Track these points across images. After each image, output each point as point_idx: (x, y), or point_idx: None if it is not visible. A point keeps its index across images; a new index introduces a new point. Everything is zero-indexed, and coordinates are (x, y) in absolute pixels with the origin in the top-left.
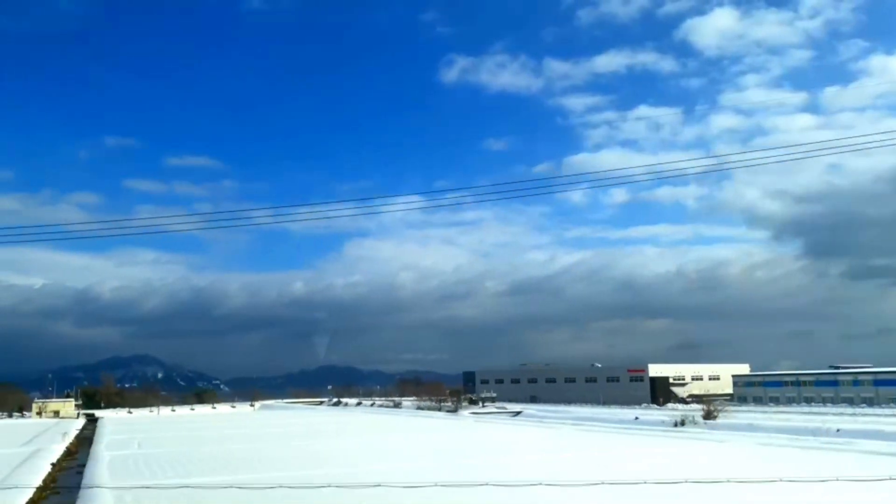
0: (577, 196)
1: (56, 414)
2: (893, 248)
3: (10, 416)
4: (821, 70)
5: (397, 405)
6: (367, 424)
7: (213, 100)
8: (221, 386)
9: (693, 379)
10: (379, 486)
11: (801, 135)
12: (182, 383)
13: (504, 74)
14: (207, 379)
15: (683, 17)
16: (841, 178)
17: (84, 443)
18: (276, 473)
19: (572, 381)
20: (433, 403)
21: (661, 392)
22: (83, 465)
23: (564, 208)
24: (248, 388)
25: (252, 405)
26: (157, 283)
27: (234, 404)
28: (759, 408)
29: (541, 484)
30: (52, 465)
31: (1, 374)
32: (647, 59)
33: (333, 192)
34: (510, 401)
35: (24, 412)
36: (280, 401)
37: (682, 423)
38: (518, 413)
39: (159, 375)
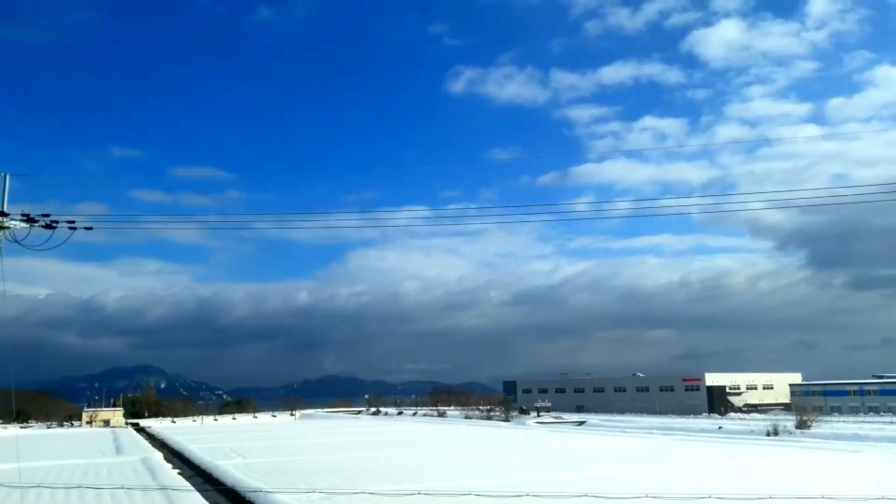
0: (579, 205)
1: (106, 423)
2: None
3: (62, 425)
4: (826, 81)
5: (442, 415)
6: (442, 435)
7: (219, 110)
8: (224, 396)
9: (747, 388)
10: (585, 495)
11: (806, 145)
12: (185, 393)
13: (511, 86)
14: (210, 389)
15: (690, 28)
16: (845, 188)
17: (166, 450)
18: (459, 482)
19: (622, 390)
20: (482, 413)
21: (718, 401)
22: (204, 472)
23: (567, 218)
24: (250, 397)
25: (292, 414)
26: (162, 294)
27: (275, 414)
28: (844, 418)
29: (710, 497)
30: (179, 472)
31: (3, 384)
32: (653, 70)
33: (339, 202)
34: (554, 411)
35: (73, 422)
36: (319, 410)
37: (776, 433)
38: (582, 423)
39: (162, 385)
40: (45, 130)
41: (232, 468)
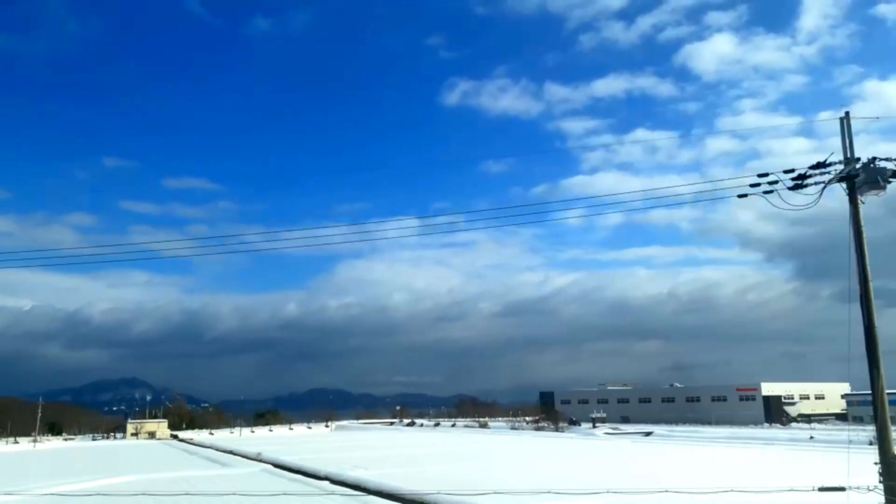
0: (571, 218)
1: (151, 435)
2: (887, 270)
3: (106, 437)
4: (816, 95)
5: (484, 426)
6: (519, 447)
7: (212, 121)
8: (209, 408)
9: (800, 398)
10: None
11: (795, 158)
12: (171, 406)
13: (505, 98)
14: (196, 401)
15: (683, 42)
16: (834, 200)
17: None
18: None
19: (670, 400)
20: (530, 424)
21: (775, 411)
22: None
23: (558, 230)
24: (236, 410)
25: (327, 425)
26: (149, 306)
27: (310, 426)
28: None
29: None
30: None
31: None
32: (645, 83)
33: (330, 213)
34: (577, 423)
35: (115, 434)
36: (354, 422)
37: None
38: (649, 433)
39: (148, 398)
40: (37, 140)
41: (400, 481)
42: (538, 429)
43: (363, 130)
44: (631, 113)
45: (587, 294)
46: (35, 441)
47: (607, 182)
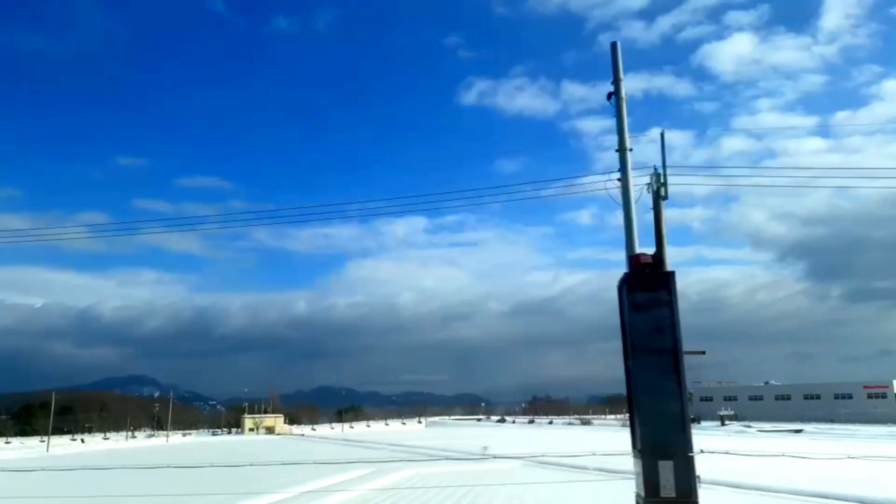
0: (583, 217)
1: (269, 430)
2: (895, 271)
3: (230, 432)
4: (834, 95)
5: (585, 423)
6: None
7: (226, 120)
8: (217, 406)
9: None
10: None
11: (811, 158)
12: (179, 403)
13: (522, 97)
14: (203, 399)
15: (702, 41)
16: (847, 201)
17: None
18: None
19: (785, 398)
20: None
21: None
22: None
23: (567, 230)
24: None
25: (420, 421)
26: (159, 303)
27: (404, 421)
28: None
29: None
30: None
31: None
32: (663, 82)
33: (342, 212)
34: (696, 420)
35: (232, 429)
36: (445, 418)
37: None
38: (799, 431)
39: (156, 395)
40: (53, 139)
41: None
42: None
43: (379, 130)
44: (647, 112)
45: (596, 294)
46: (150, 436)
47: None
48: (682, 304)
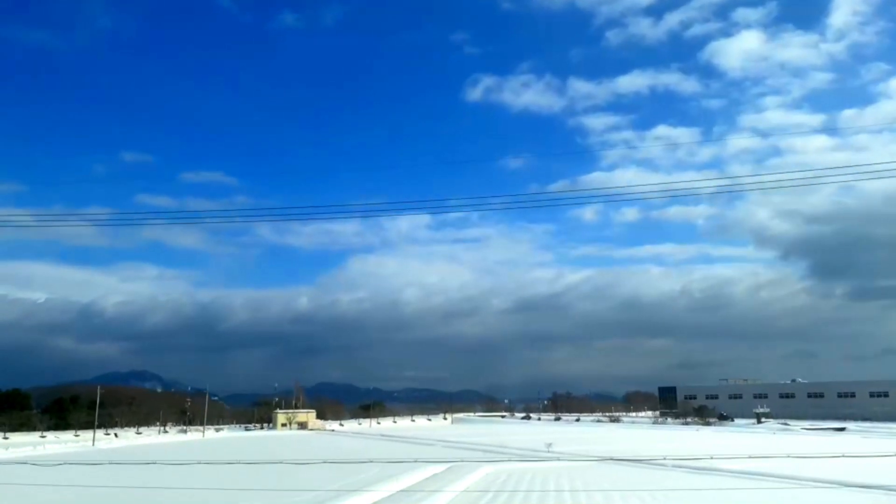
0: (587, 214)
1: (302, 425)
2: None
3: (262, 427)
4: (840, 92)
5: (615, 420)
6: (727, 441)
7: (230, 115)
8: (219, 401)
9: None
10: None
11: (817, 156)
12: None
13: (527, 94)
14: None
15: (710, 38)
16: (852, 198)
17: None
18: None
19: (818, 395)
20: (675, 418)
21: None
22: None
23: (570, 226)
24: (245, 403)
25: (445, 418)
26: (160, 299)
27: (430, 417)
28: None
29: None
30: None
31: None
32: (670, 79)
33: (344, 209)
34: (728, 418)
35: (263, 424)
36: (471, 415)
37: None
38: (842, 429)
39: (158, 390)
40: (57, 135)
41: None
42: (685, 423)
43: (384, 126)
44: (653, 109)
45: (599, 291)
46: (182, 430)
47: (626, 178)
48: (685, 302)
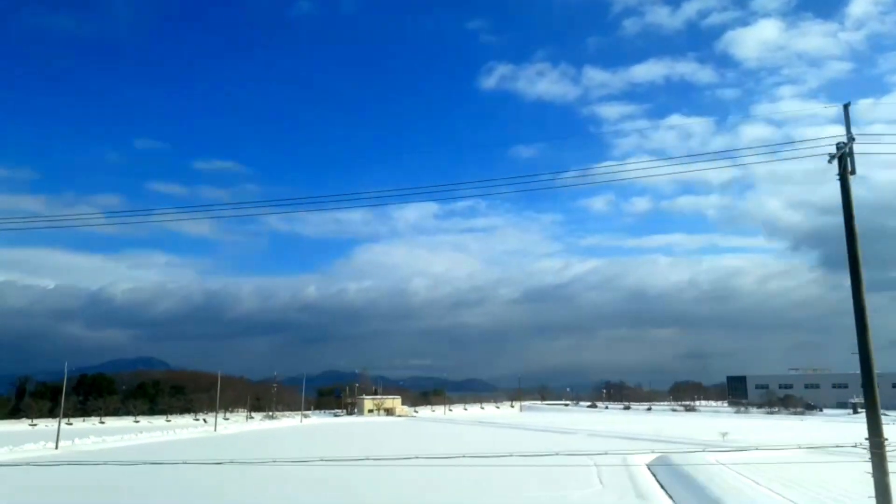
0: (596, 204)
1: (388, 412)
2: None
3: (350, 413)
4: (857, 82)
5: (690, 409)
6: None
7: (244, 103)
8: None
9: None
10: None
11: (831, 147)
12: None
13: (542, 82)
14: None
15: (727, 27)
16: (865, 189)
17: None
18: None
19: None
20: (760, 408)
21: None
22: None
23: (578, 216)
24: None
25: (512, 405)
26: (170, 286)
27: (499, 405)
28: None
29: None
30: None
31: (7, 374)
32: (685, 69)
33: (356, 201)
34: (816, 407)
35: (340, 410)
36: (536, 402)
37: None
38: None
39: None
40: (70, 121)
41: None
42: (769, 413)
43: (398, 114)
44: (668, 98)
45: (608, 281)
46: (269, 416)
47: (638, 168)
48: (693, 293)
